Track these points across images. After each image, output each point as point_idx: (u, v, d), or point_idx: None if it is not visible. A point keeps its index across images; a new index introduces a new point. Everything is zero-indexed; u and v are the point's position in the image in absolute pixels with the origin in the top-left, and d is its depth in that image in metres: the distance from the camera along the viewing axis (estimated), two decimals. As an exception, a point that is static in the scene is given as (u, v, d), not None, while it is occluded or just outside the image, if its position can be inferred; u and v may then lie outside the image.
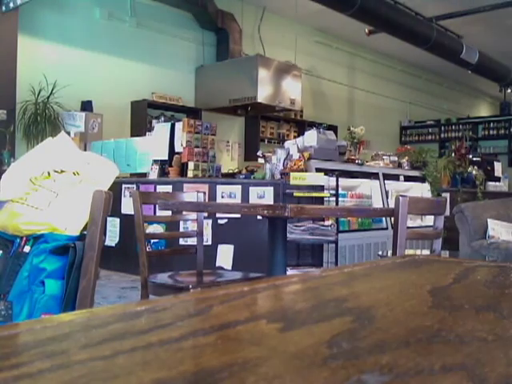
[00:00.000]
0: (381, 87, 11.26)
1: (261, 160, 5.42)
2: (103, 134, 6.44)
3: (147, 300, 1.87)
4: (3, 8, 5.77)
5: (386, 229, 5.71)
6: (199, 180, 5.34)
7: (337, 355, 0.40)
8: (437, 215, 2.21)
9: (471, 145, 9.92)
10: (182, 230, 4.76)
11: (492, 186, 7.34)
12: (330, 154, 5.48)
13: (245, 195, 4.89)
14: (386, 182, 6.02)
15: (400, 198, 1.93)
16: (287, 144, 5.38)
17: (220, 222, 4.93)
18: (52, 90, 6.24)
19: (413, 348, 0.43)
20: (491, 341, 0.46)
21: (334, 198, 4.87)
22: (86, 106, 6.61)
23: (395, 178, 6.30)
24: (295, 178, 4.59)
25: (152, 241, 5.09)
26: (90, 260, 1.28)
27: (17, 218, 1.38)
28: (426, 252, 3.74)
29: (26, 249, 1.37)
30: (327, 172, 4.95)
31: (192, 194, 2.90)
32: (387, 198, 5.94)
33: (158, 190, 5.19)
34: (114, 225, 5.53)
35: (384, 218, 5.79)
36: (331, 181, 4.87)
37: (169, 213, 3.96)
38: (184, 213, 2.94)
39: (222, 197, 4.96)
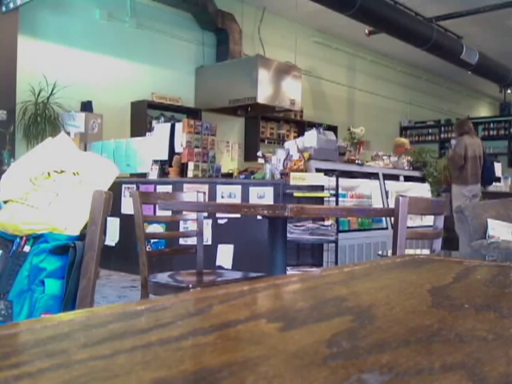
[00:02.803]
0: (380, 88, 11.26)
1: (261, 160, 5.42)
2: (103, 135, 6.44)
3: (147, 299, 1.87)
4: (3, 8, 5.77)
5: (386, 229, 5.71)
6: (199, 180, 5.34)
7: (337, 354, 0.40)
8: (437, 215, 2.21)
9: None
10: (182, 229, 4.75)
11: (492, 185, 7.34)
12: (330, 154, 5.48)
13: (245, 195, 4.88)
14: (385, 182, 6.03)
15: (400, 197, 1.93)
16: (287, 144, 5.38)
17: (220, 221, 4.92)
18: (52, 90, 6.24)
19: (413, 347, 0.43)
20: (491, 340, 0.46)
21: (333, 198, 4.87)
22: (86, 107, 6.61)
23: (395, 178, 6.31)
24: (295, 178, 4.59)
25: (152, 240, 5.09)
26: (90, 260, 1.28)
27: (17, 218, 1.38)
28: (426, 252, 3.74)
29: (26, 248, 1.37)
30: (327, 172, 4.95)
31: (192, 194, 2.90)
32: (387, 198, 5.95)
33: (158, 190, 5.19)
34: (113, 225, 5.53)
35: (384, 218, 5.80)
36: (331, 181, 4.86)
37: (169, 213, 3.97)
38: (184, 213, 2.94)
39: (222, 197, 4.96)
